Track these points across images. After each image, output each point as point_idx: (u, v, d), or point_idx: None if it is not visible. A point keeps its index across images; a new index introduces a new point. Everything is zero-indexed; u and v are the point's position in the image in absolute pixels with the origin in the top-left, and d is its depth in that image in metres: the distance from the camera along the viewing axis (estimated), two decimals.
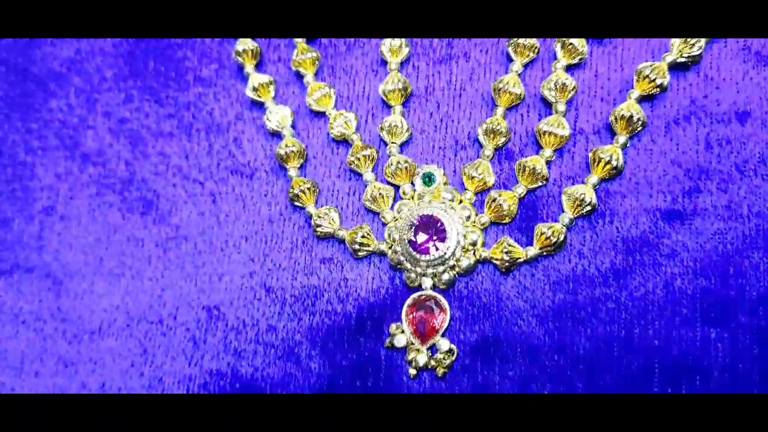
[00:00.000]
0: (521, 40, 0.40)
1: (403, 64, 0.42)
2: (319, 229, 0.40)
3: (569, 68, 0.39)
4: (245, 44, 0.44)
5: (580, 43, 0.39)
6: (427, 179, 0.39)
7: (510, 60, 0.40)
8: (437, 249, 0.38)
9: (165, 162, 0.45)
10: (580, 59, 0.39)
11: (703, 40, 0.37)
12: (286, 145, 0.42)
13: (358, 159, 0.41)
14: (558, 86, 0.38)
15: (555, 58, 0.40)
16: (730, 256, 0.36)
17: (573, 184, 0.38)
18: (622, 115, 0.37)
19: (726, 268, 0.36)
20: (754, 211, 0.36)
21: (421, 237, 0.38)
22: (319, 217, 0.40)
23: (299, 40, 0.43)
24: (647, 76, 0.37)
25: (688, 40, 0.37)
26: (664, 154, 0.38)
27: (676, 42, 0.38)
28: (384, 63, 0.42)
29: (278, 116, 0.43)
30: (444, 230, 0.38)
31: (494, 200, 0.38)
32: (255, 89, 0.43)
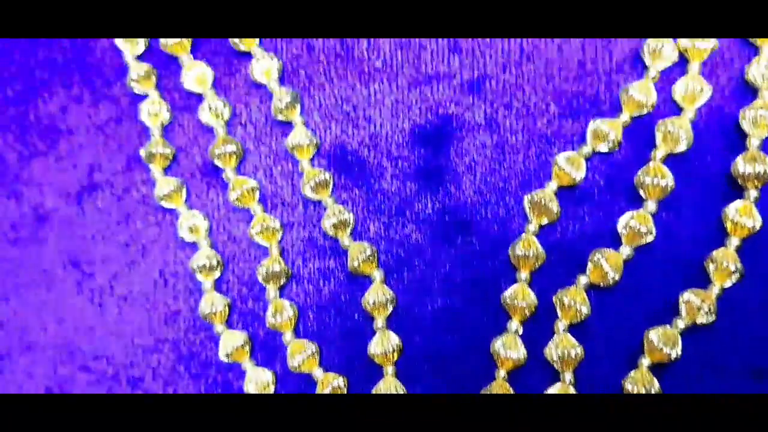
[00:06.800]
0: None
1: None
2: None
3: (572, 327, 0.36)
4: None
5: (581, 301, 0.36)
6: None
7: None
8: None
9: None
10: (584, 318, 0.36)
11: (714, 303, 0.35)
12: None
13: None
14: (564, 355, 0.36)
15: (556, 315, 0.37)
16: None
17: None
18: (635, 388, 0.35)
19: None
20: None
21: None
22: None
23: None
24: (661, 348, 0.35)
25: (701, 308, 0.34)
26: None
27: (683, 305, 0.35)
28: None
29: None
30: None
31: None
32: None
